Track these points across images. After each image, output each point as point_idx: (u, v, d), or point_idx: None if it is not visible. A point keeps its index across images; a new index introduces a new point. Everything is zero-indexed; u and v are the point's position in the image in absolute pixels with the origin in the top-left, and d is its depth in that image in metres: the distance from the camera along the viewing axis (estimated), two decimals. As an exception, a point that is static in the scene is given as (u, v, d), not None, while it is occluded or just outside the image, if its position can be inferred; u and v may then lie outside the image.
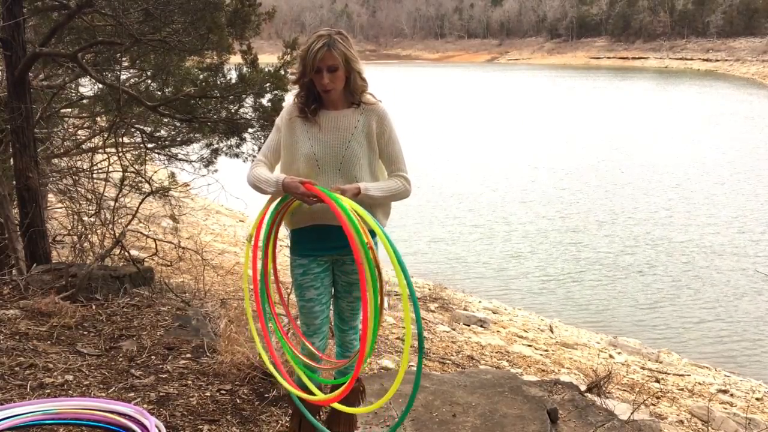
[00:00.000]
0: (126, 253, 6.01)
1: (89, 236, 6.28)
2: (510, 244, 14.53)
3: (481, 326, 8.74)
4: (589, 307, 11.33)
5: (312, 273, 2.65)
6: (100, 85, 6.40)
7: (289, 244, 2.73)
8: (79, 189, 7.00)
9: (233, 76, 6.59)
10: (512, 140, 28.36)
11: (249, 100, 6.67)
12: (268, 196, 2.60)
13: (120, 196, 6.38)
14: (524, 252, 14.06)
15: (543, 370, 6.93)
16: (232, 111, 6.65)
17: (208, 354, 3.77)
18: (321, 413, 2.99)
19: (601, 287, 12.13)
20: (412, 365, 5.62)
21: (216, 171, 7.26)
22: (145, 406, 3.06)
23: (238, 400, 3.29)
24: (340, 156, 2.54)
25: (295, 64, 6.19)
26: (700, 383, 7.77)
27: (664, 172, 21.52)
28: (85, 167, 7.10)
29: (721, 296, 11.59)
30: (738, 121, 33.24)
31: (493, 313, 10.01)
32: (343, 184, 2.52)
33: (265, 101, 6.67)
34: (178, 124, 7.04)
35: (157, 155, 7.63)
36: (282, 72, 6.49)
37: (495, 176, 21.26)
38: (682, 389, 7.37)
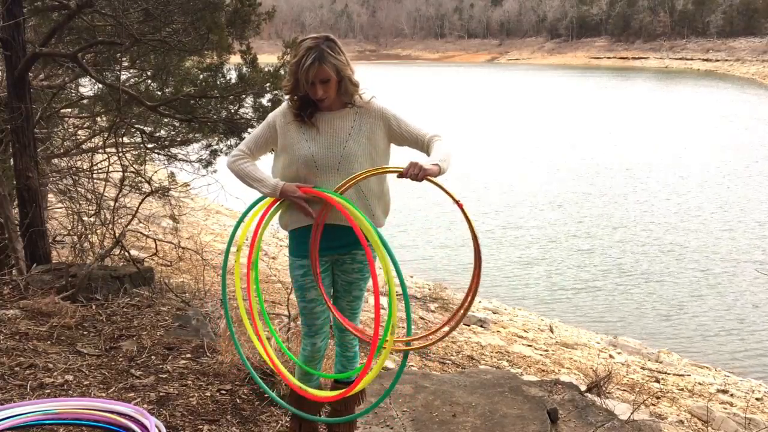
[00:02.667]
0: (126, 253, 6.01)
1: (89, 236, 6.28)
2: (510, 244, 14.54)
3: (481, 326, 8.74)
4: (589, 307, 11.33)
5: (312, 273, 2.65)
6: (100, 85, 6.40)
7: (288, 245, 2.73)
8: (79, 189, 7.00)
9: (233, 76, 6.60)
10: (517, 142, 28.25)
11: (249, 100, 6.67)
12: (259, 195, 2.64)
13: (120, 196, 6.38)
14: (524, 253, 14.07)
15: (543, 370, 6.93)
16: (232, 111, 6.65)
17: (208, 354, 3.77)
18: (320, 413, 3.00)
19: (601, 287, 12.14)
20: (412, 365, 5.63)
21: (216, 171, 7.27)
22: (145, 406, 3.06)
23: (238, 400, 3.29)
24: (338, 156, 2.54)
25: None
26: (700, 383, 7.77)
27: (669, 174, 21.53)
28: (85, 167, 7.11)
29: (721, 296, 11.60)
30: (744, 121, 33.01)
31: (493, 313, 10.02)
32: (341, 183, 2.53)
33: (264, 101, 6.68)
34: (177, 124, 7.05)
35: (157, 155, 7.63)
36: (282, 72, 6.49)
37: (500, 178, 21.22)
38: (682, 389, 7.37)
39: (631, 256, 13.73)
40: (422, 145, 2.60)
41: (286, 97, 2.63)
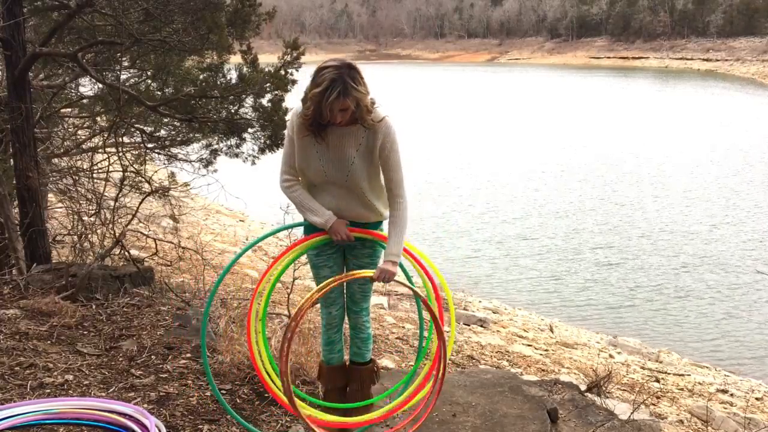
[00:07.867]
0: (126, 253, 6.00)
1: (89, 236, 6.27)
2: (510, 245, 14.54)
3: (481, 326, 8.73)
4: (589, 307, 11.33)
5: (326, 254, 2.86)
6: (100, 85, 6.40)
7: (303, 228, 2.93)
8: (79, 189, 6.99)
9: (233, 76, 6.60)
10: (520, 143, 28.06)
11: (249, 100, 6.67)
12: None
13: (120, 195, 6.37)
14: (524, 252, 14.06)
15: (543, 370, 6.92)
16: (232, 111, 6.65)
17: (208, 354, 3.77)
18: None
19: (600, 287, 12.14)
20: (410, 364, 5.62)
21: (216, 171, 7.27)
22: (145, 405, 3.06)
23: (238, 400, 3.29)
24: (346, 171, 2.70)
25: (297, 66, 6.39)
26: (700, 383, 7.76)
27: (674, 173, 21.52)
28: (85, 167, 7.09)
29: (721, 296, 11.60)
30: (754, 122, 32.74)
31: (493, 312, 10.01)
32: (348, 195, 2.72)
33: (265, 101, 6.68)
34: (178, 124, 7.04)
35: (157, 155, 7.63)
36: (282, 72, 6.49)
37: (502, 180, 21.20)
38: (682, 389, 7.37)
39: (630, 256, 13.73)
40: (387, 194, 2.81)
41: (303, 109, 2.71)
